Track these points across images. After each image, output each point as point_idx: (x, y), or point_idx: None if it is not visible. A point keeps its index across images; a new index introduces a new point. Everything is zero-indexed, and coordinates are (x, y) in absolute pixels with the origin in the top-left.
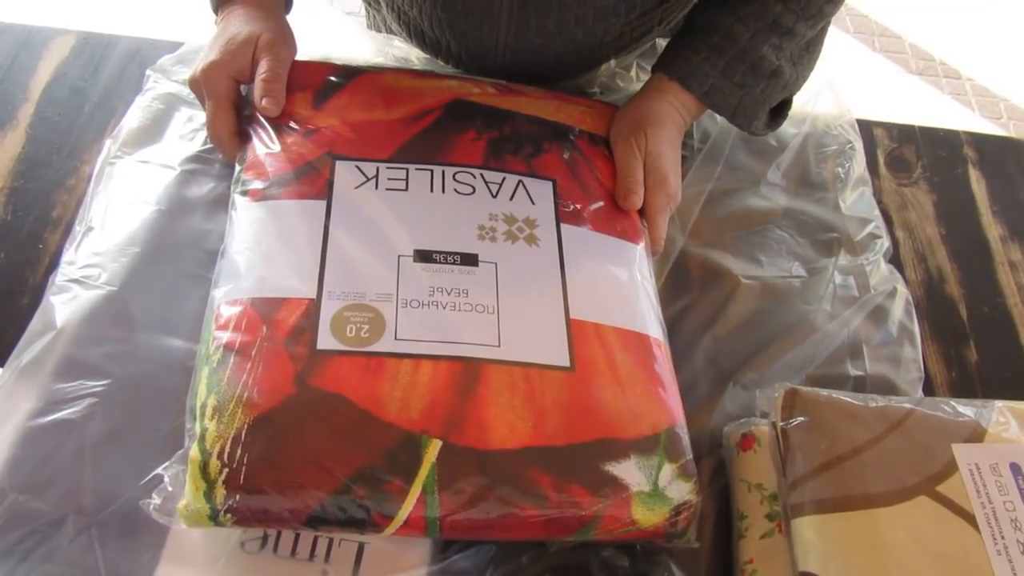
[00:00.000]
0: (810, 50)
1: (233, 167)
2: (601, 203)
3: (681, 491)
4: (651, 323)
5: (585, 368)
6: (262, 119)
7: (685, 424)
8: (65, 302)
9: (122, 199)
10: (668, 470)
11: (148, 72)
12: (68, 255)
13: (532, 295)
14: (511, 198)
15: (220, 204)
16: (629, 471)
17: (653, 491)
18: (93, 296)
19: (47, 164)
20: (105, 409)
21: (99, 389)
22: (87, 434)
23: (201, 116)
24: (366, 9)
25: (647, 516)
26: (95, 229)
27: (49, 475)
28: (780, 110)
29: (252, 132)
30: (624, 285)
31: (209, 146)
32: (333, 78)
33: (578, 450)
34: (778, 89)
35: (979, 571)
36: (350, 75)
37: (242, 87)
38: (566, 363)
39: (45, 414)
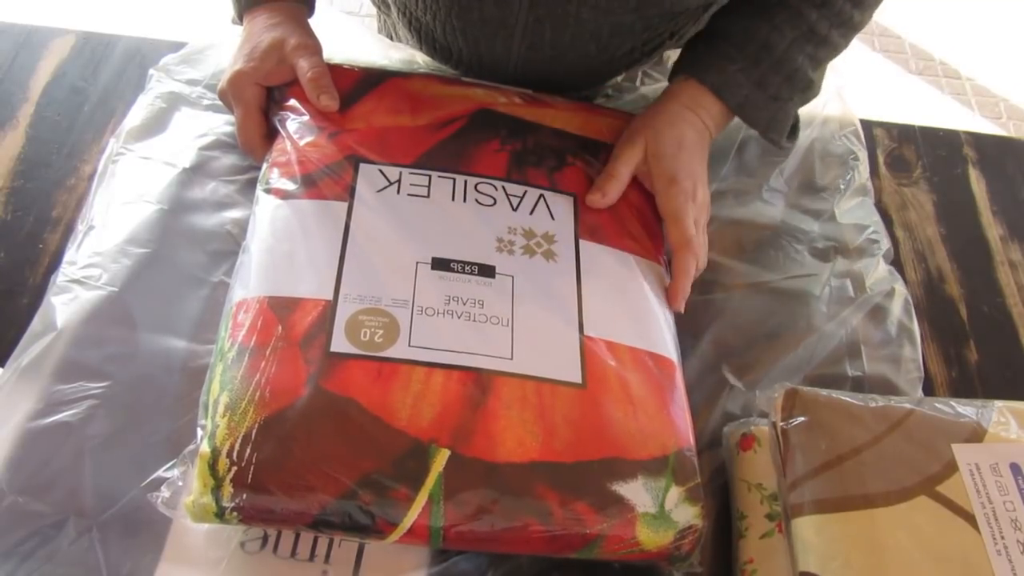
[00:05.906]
0: (827, 63)
1: (240, 169)
2: (624, 220)
3: (687, 515)
4: (666, 344)
5: (597, 385)
6: (289, 121)
7: (695, 447)
8: (66, 303)
9: (124, 197)
10: (675, 493)
11: (151, 72)
12: (69, 255)
13: (547, 310)
14: (531, 212)
15: (222, 205)
16: (636, 491)
17: (659, 513)
18: (94, 297)
19: (47, 164)
20: (105, 411)
21: (99, 391)
22: (87, 436)
23: (203, 116)
24: (377, 13)
25: (651, 538)
26: (96, 228)
27: (49, 477)
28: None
29: (279, 132)
30: (641, 304)
31: (212, 138)
32: (360, 83)
33: (586, 467)
34: (805, 101)
35: (979, 571)
36: (377, 80)
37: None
38: (578, 379)
39: (45, 415)
